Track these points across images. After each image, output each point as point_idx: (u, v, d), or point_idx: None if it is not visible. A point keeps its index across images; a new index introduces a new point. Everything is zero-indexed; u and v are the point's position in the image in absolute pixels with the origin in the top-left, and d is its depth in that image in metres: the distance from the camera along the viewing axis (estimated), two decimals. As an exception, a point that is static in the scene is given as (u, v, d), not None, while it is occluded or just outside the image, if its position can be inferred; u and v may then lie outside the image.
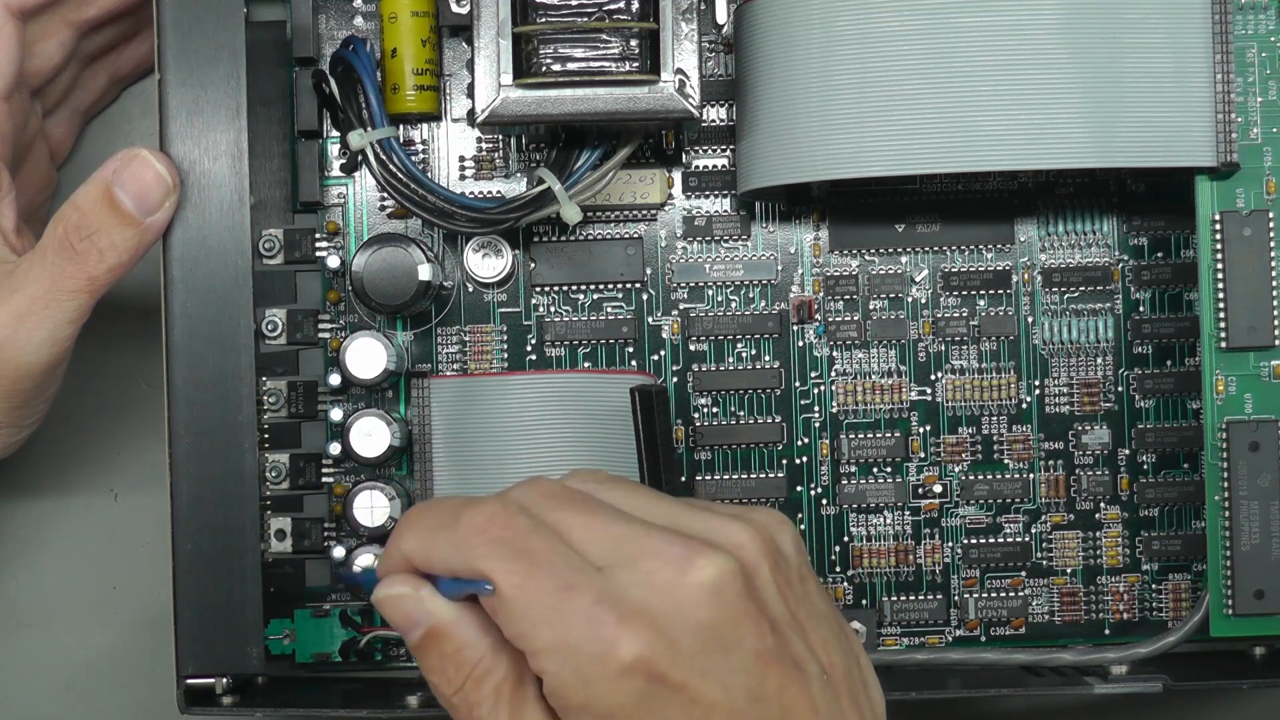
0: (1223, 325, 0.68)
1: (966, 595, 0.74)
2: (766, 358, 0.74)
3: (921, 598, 0.74)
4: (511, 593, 0.53)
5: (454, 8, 0.70)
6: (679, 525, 0.55)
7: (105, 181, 0.64)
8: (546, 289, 0.74)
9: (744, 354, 0.74)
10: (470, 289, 0.74)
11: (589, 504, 0.55)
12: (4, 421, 0.67)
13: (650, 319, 0.74)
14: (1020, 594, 0.74)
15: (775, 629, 0.54)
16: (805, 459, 0.74)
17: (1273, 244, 0.68)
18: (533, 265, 0.74)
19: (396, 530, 0.56)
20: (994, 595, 0.74)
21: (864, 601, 0.74)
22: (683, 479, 0.73)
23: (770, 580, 0.55)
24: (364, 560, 0.71)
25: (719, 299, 0.74)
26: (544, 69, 0.64)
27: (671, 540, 0.54)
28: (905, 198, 0.75)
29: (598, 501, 0.56)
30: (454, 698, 0.56)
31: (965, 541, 0.74)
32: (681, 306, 0.74)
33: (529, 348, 0.74)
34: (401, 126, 0.74)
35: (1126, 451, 0.74)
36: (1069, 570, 0.74)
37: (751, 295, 0.74)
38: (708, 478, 0.74)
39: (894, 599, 0.75)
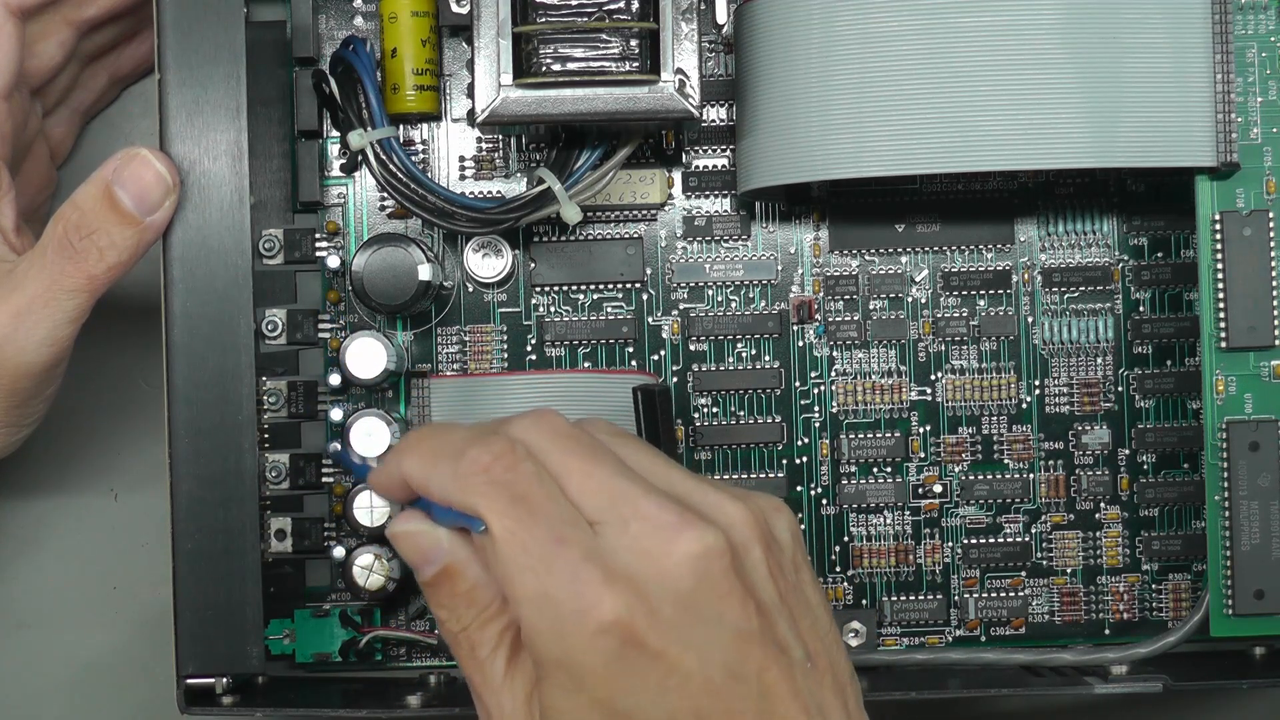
0: (1223, 325, 0.68)
1: (966, 595, 0.74)
2: (766, 358, 0.74)
3: (921, 598, 0.74)
4: (504, 536, 0.53)
5: (454, 8, 0.70)
6: (678, 492, 0.55)
7: (105, 180, 0.64)
8: (546, 289, 0.74)
9: (744, 354, 0.74)
10: (470, 289, 0.74)
11: (595, 453, 0.55)
12: (3, 421, 0.67)
13: (650, 319, 0.74)
14: (1020, 594, 0.74)
15: (761, 610, 0.54)
16: (805, 459, 0.74)
17: (1273, 244, 0.67)
18: (533, 265, 0.74)
19: (401, 446, 0.57)
20: (994, 595, 0.74)
21: (864, 601, 0.74)
22: (683, 479, 0.73)
23: (761, 562, 0.55)
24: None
25: (719, 299, 0.74)
26: (544, 69, 0.64)
27: (666, 506, 0.54)
28: (905, 198, 0.75)
29: (604, 451, 0.56)
30: (459, 634, 0.56)
31: (965, 541, 0.74)
32: (681, 306, 0.74)
33: (529, 348, 0.74)
34: (401, 126, 0.74)
35: (1126, 451, 0.74)
36: (1069, 570, 0.74)
37: (751, 295, 0.74)
38: (708, 477, 0.74)
39: (894, 599, 0.74)
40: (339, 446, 0.70)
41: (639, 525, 0.54)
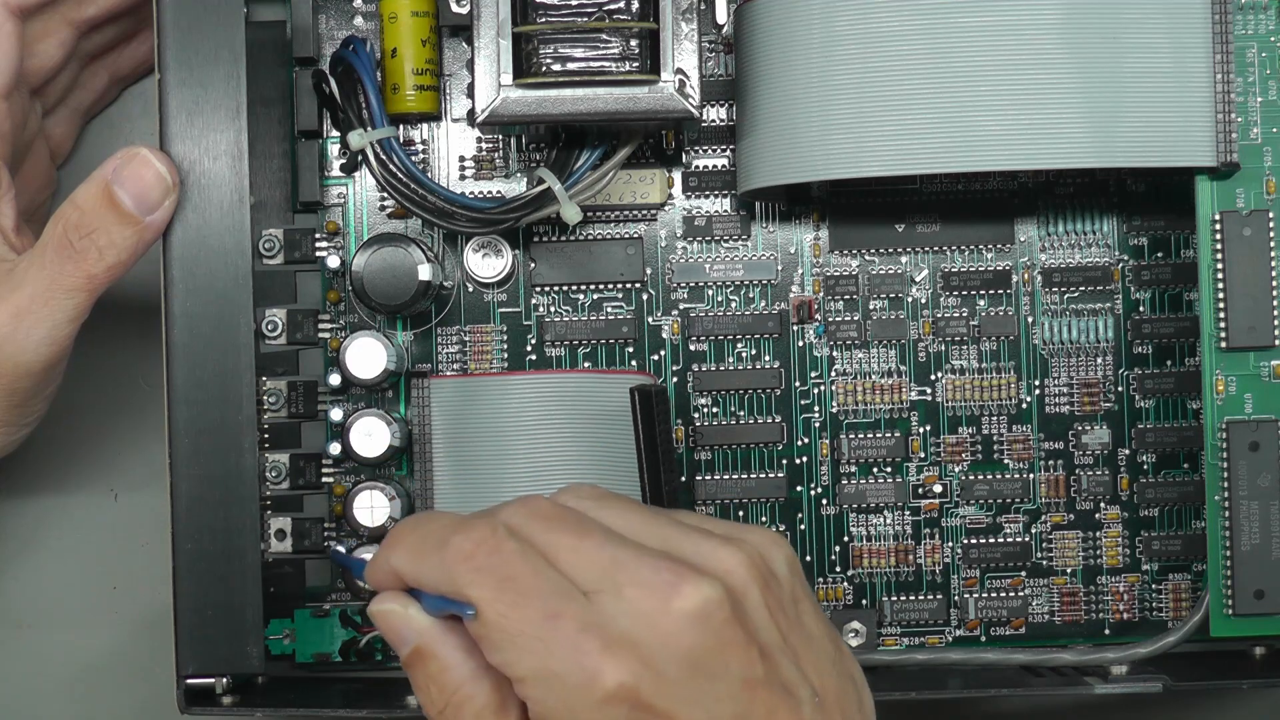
0: (1223, 325, 0.68)
1: (966, 595, 0.74)
2: (766, 358, 0.74)
3: (921, 598, 0.74)
4: (496, 620, 0.53)
5: (454, 8, 0.70)
6: (670, 547, 0.55)
7: (105, 180, 0.64)
8: (546, 289, 0.74)
9: (744, 354, 0.74)
10: (470, 289, 0.74)
11: (580, 525, 0.55)
12: (3, 420, 0.67)
13: (650, 319, 0.74)
14: (1020, 594, 0.74)
15: (765, 654, 0.54)
16: (805, 459, 0.74)
17: (1273, 244, 0.68)
18: (533, 265, 0.74)
19: (387, 541, 0.57)
20: (994, 595, 0.74)
21: (864, 601, 0.74)
22: (682, 479, 0.73)
23: (761, 604, 0.55)
24: (363, 552, 0.71)
25: (719, 299, 0.74)
26: (544, 69, 0.64)
27: (659, 566, 0.54)
28: (905, 198, 0.75)
29: (590, 521, 0.55)
30: (438, 717, 0.56)
31: (965, 541, 0.74)
32: (681, 306, 0.74)
33: (529, 348, 0.74)
34: (401, 126, 0.74)
35: (1126, 451, 0.74)
36: (1069, 570, 0.74)
37: (751, 295, 0.74)
38: (708, 478, 0.74)
39: (894, 599, 0.74)
40: (339, 549, 0.71)
41: (634, 589, 0.53)
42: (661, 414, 0.69)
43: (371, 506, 0.71)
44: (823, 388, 0.74)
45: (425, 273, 0.71)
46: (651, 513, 0.57)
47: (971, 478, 0.74)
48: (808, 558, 0.74)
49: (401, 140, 0.71)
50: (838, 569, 0.74)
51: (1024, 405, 0.74)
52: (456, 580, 0.54)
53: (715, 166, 0.74)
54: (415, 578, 0.56)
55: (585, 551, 0.54)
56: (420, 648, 0.56)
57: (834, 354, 0.74)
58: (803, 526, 0.74)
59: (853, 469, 0.74)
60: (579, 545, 0.54)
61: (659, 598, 0.53)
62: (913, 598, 0.74)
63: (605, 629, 0.53)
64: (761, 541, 0.57)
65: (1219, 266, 0.68)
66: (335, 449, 0.72)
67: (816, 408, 0.74)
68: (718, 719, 0.53)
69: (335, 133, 0.73)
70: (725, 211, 0.74)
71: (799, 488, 0.74)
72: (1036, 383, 0.74)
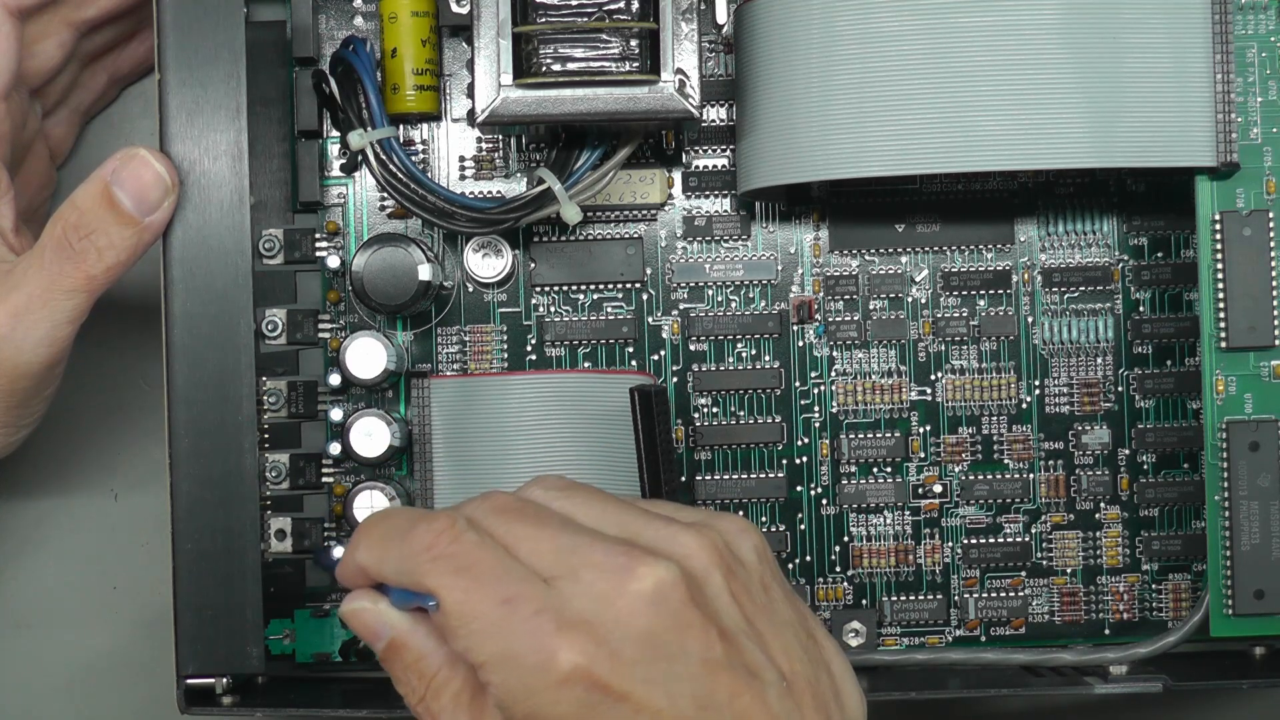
0: (1223, 325, 0.68)
1: (966, 595, 0.74)
2: (766, 358, 0.74)
3: (921, 598, 0.74)
4: (455, 608, 0.54)
5: (454, 8, 0.70)
6: (631, 534, 0.56)
7: (104, 181, 0.64)
8: (546, 289, 0.74)
9: (744, 354, 0.74)
10: (470, 289, 0.74)
11: (539, 515, 0.56)
12: (3, 421, 0.67)
13: (650, 319, 0.74)
14: (1020, 594, 0.74)
15: (725, 637, 0.54)
16: (805, 459, 0.74)
17: (1273, 244, 0.68)
18: (533, 265, 0.74)
19: (353, 538, 0.58)
20: (994, 595, 0.74)
21: (864, 601, 0.74)
22: (682, 479, 0.73)
23: (723, 588, 0.55)
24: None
25: (719, 299, 0.74)
26: (544, 69, 0.64)
27: (614, 550, 0.54)
28: (905, 198, 0.75)
29: (549, 512, 0.56)
30: (418, 706, 0.57)
31: (965, 541, 0.74)
32: (681, 306, 0.74)
33: (529, 348, 0.74)
34: (401, 126, 0.74)
35: (1126, 451, 0.74)
36: (1069, 570, 0.74)
37: (751, 295, 0.74)
38: (708, 478, 0.74)
39: (894, 599, 0.74)
40: (327, 552, 0.71)
41: (590, 573, 0.54)
42: (661, 414, 0.69)
43: (371, 506, 0.71)
44: (823, 388, 0.74)
45: (425, 273, 0.71)
46: (616, 501, 0.58)
47: (971, 478, 0.74)
48: (808, 558, 0.74)
49: (401, 140, 0.71)
50: (838, 569, 0.74)
51: (1024, 405, 0.74)
52: (417, 570, 0.55)
53: (715, 166, 0.74)
54: (379, 571, 0.57)
55: (543, 540, 0.55)
56: (394, 640, 0.57)
57: (834, 354, 0.74)
58: (803, 526, 0.74)
59: (853, 469, 0.74)
60: (537, 534, 0.55)
61: (614, 580, 0.54)
62: (913, 598, 0.74)
63: (561, 611, 0.53)
64: (728, 528, 0.57)
65: (1219, 266, 0.68)
66: (335, 449, 0.72)
67: (816, 408, 0.74)
68: (678, 700, 0.53)
69: (335, 133, 0.73)
70: (725, 211, 0.74)
71: (799, 488, 0.74)
72: (1036, 383, 0.74)
